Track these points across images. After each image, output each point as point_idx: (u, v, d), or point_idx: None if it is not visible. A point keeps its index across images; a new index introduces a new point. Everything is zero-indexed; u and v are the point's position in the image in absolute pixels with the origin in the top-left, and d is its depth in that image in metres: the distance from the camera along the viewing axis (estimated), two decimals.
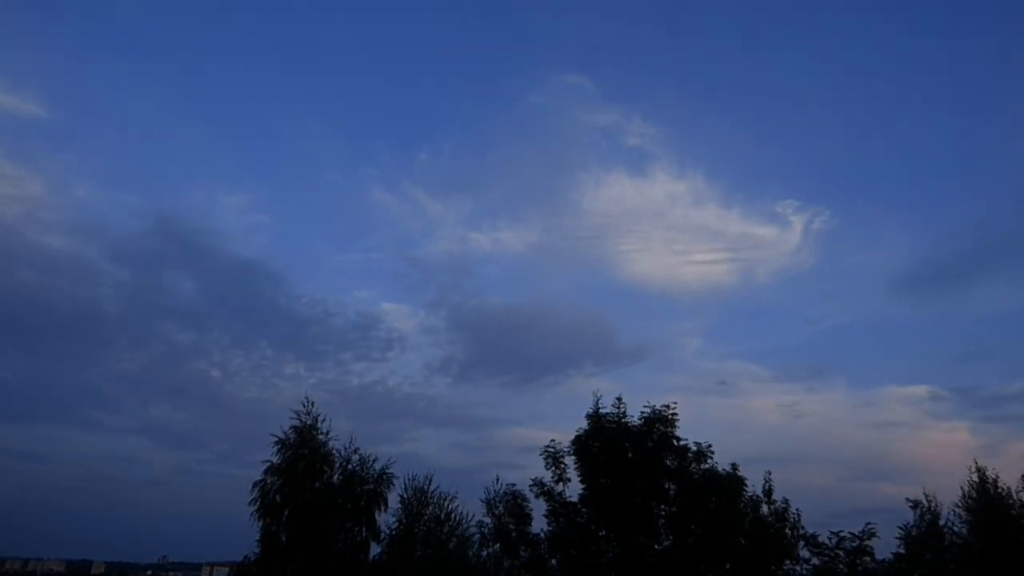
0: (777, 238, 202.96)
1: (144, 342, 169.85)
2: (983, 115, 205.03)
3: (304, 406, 26.70)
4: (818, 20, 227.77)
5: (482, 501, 26.36)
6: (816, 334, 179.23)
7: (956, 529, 26.57)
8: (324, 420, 26.64)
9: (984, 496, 26.41)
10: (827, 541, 24.89)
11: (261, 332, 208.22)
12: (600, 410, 26.19)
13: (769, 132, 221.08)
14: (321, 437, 26.42)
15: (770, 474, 26.15)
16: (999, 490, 26.52)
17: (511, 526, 25.78)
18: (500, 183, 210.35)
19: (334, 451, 26.51)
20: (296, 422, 26.44)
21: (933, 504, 26.61)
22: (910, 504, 26.70)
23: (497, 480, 26.68)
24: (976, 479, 26.93)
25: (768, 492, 25.87)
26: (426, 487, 27.37)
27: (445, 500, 27.20)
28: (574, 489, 25.67)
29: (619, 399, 26.31)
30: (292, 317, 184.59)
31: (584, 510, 25.17)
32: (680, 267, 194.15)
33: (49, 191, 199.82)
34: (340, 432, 27.02)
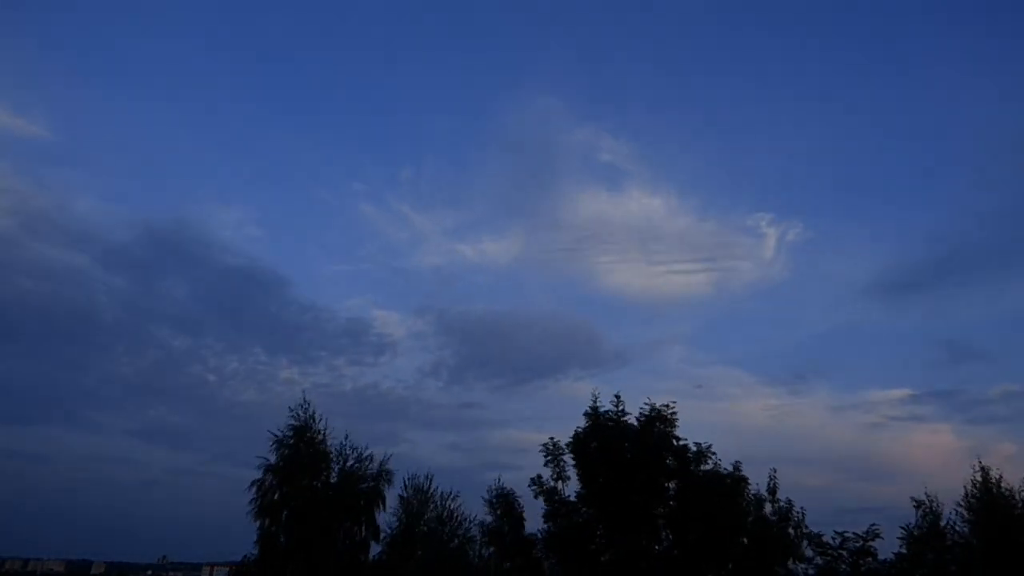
0: (752, 249, 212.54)
1: (141, 348, 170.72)
2: (946, 131, 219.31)
3: (301, 405, 26.62)
4: (788, 36, 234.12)
5: (484, 500, 26.19)
6: (795, 341, 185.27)
7: (958, 529, 26.38)
8: (321, 419, 26.55)
9: (987, 496, 26.23)
10: (831, 541, 24.70)
11: (255, 338, 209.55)
12: (599, 408, 25.97)
13: (741, 147, 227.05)
14: (318, 436, 26.30)
15: (775, 472, 25.96)
16: (1002, 490, 26.33)
17: (505, 527, 25.58)
18: (481, 199, 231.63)
19: (331, 449, 26.41)
20: (294, 421, 26.34)
21: (935, 504, 26.42)
22: (914, 504, 26.51)
23: (499, 480, 26.54)
24: (979, 479, 26.76)
25: (772, 491, 25.67)
26: (427, 487, 27.22)
27: (447, 499, 27.04)
28: (572, 487, 25.54)
29: (617, 397, 26.08)
30: (285, 324, 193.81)
31: (583, 509, 24.99)
32: (658, 278, 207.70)
33: (50, 206, 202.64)
34: (336, 432, 26.97)
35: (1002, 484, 26.40)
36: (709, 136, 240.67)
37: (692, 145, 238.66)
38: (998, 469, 26.74)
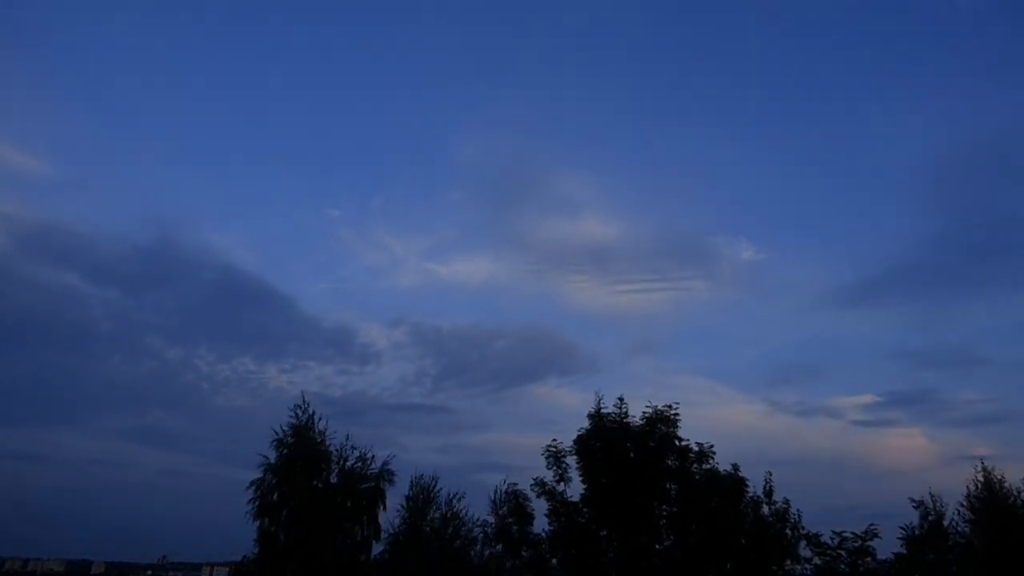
0: (707, 269, 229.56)
1: (137, 356, 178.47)
2: (886, 160, 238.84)
3: (300, 405, 26.57)
4: (737, 72, 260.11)
5: (490, 500, 26.28)
6: (757, 352, 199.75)
7: (960, 529, 26.37)
8: (320, 419, 26.53)
9: (990, 496, 26.22)
10: (829, 541, 24.72)
11: (244, 349, 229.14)
12: (602, 410, 26.01)
13: (693, 173, 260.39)
14: (317, 436, 26.26)
15: (771, 475, 25.97)
16: (1004, 490, 26.31)
17: (513, 526, 25.62)
18: (449, 225, 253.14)
19: (332, 449, 26.38)
20: (294, 420, 26.29)
21: (938, 504, 26.43)
22: (914, 504, 26.53)
23: (504, 480, 26.60)
24: (981, 479, 26.75)
25: (769, 492, 25.67)
26: (431, 487, 27.23)
27: (453, 499, 27.07)
28: (575, 489, 25.61)
29: (621, 399, 26.18)
30: (274, 335, 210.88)
31: (585, 510, 25.05)
32: (619, 296, 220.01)
33: (52, 228, 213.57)
34: (336, 432, 26.94)
35: (1004, 484, 26.41)
36: (659, 165, 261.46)
37: (644, 172, 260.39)
38: (1000, 469, 26.79)
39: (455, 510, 27.00)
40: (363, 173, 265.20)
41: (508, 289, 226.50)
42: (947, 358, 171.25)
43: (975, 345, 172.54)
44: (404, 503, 26.74)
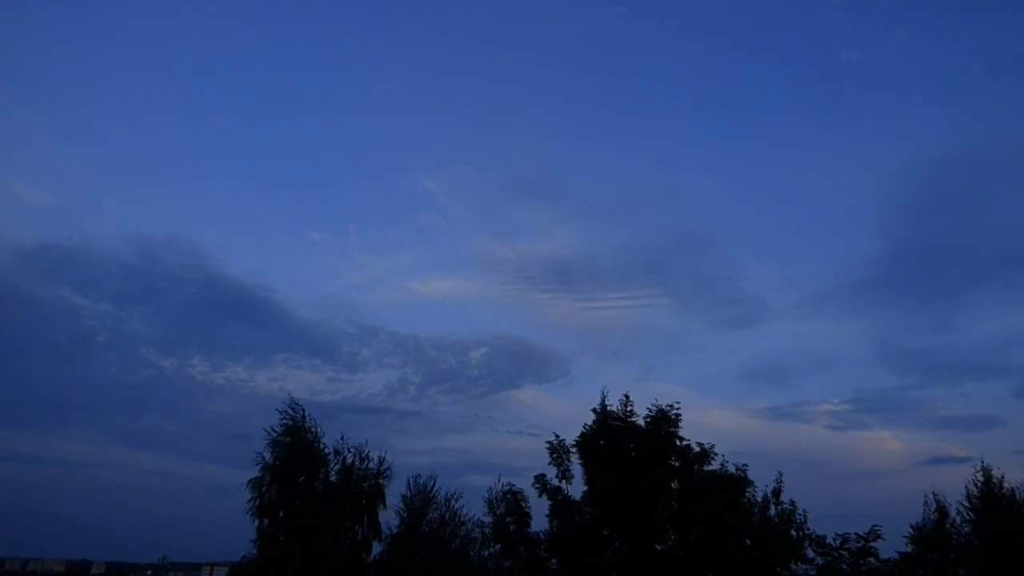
0: (670, 287, 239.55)
1: (133, 365, 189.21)
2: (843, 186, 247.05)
3: (291, 406, 26.31)
4: (694, 100, 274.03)
5: (485, 500, 26.17)
6: (727, 365, 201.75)
7: (961, 529, 26.41)
8: (311, 419, 26.34)
9: (989, 496, 26.26)
10: (832, 542, 24.75)
11: (236, 359, 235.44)
12: (607, 407, 25.87)
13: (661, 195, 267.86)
14: (311, 435, 26.07)
15: (781, 476, 25.95)
16: (1004, 490, 26.36)
17: (512, 526, 25.58)
18: (421, 248, 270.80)
19: (328, 448, 26.17)
20: (287, 420, 26.08)
21: (942, 504, 26.47)
22: (925, 503, 26.58)
23: (499, 479, 26.51)
24: (981, 479, 26.79)
25: (777, 493, 25.66)
26: (430, 487, 27.16)
27: (450, 500, 26.99)
28: (577, 486, 25.52)
29: (626, 397, 26.04)
30: (264, 346, 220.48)
31: (587, 509, 24.95)
32: (586, 312, 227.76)
33: (51, 248, 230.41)
34: (331, 433, 26.83)
35: (1003, 484, 26.45)
36: (621, 189, 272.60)
37: (607, 194, 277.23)
38: (1000, 469, 26.82)
39: (453, 510, 26.96)
40: (338, 203, 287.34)
41: (481, 305, 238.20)
42: (908, 365, 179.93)
43: (933, 353, 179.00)
44: (402, 503, 26.68)
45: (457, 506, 26.78)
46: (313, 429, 26.08)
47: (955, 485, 27.34)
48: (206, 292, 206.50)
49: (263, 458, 25.25)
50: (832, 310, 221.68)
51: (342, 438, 26.40)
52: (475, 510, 26.57)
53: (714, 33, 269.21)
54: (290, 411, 26.10)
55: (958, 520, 26.48)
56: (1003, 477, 26.52)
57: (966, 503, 26.62)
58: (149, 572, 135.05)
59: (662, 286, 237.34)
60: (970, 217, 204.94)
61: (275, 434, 25.55)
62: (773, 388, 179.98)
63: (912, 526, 26.13)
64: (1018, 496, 26.11)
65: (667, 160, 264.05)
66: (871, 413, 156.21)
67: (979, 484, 26.77)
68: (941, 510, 26.39)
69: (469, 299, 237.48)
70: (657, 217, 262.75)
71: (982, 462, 27.11)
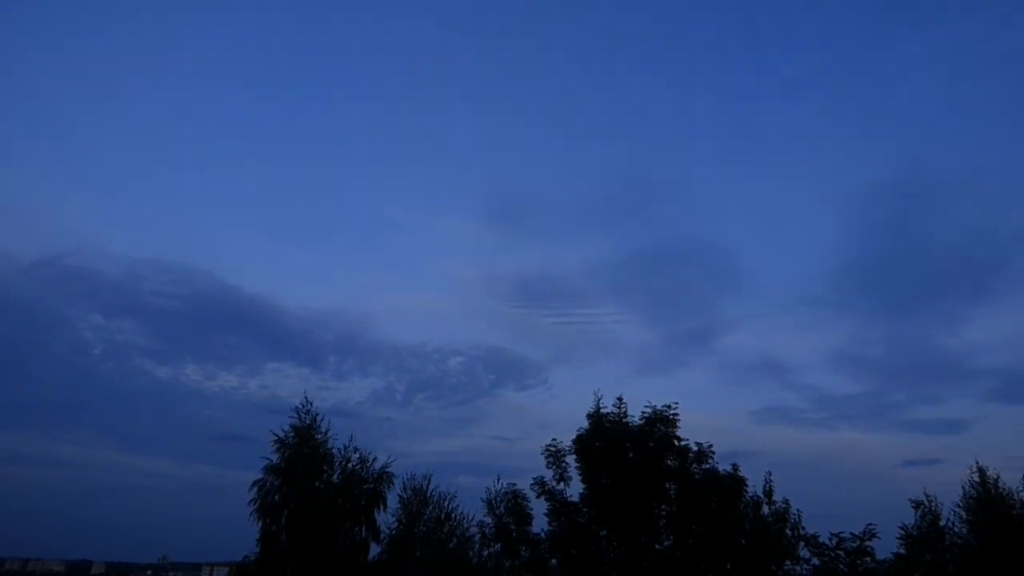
0: (629, 304, 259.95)
1: (129, 375, 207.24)
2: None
3: (303, 406, 26.63)
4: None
5: (483, 501, 26.30)
6: (695, 374, 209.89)
7: (956, 529, 26.49)
8: (323, 419, 26.61)
9: (985, 496, 26.35)
10: (827, 542, 24.80)
11: (226, 369, 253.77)
12: (601, 410, 26.06)
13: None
14: (320, 437, 26.31)
15: (771, 475, 26.05)
16: (1000, 490, 26.46)
17: (512, 526, 25.69)
18: (385, 268, 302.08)
19: (333, 450, 26.43)
20: (296, 422, 26.35)
21: (934, 505, 26.55)
22: (912, 504, 26.64)
23: (498, 479, 26.63)
24: (977, 479, 26.89)
25: (768, 493, 25.73)
26: (425, 487, 27.29)
27: (445, 500, 27.14)
28: (575, 488, 25.60)
29: (620, 399, 26.19)
30: (252, 357, 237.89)
31: (585, 510, 25.08)
32: (549, 328, 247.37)
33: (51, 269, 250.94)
34: (336, 436, 26.99)
35: (999, 484, 26.55)
36: (584, 210, 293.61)
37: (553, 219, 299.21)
38: (995, 470, 26.93)
39: (448, 510, 27.09)
40: (311, 227, 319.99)
41: (448, 317, 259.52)
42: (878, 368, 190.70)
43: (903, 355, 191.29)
44: (399, 503, 26.83)
45: (452, 506, 26.94)
46: (323, 430, 26.31)
47: (931, 486, 27.57)
48: (197, 305, 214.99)
49: (269, 459, 25.46)
50: (790, 323, 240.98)
51: (350, 439, 26.63)
52: (467, 510, 26.90)
53: (662, 72, 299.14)
54: (301, 411, 26.33)
55: (953, 521, 26.56)
56: (998, 477, 26.67)
57: (961, 503, 26.72)
58: (149, 572, 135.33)
59: (626, 302, 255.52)
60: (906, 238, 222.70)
61: (283, 435, 25.75)
62: (747, 394, 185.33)
63: (902, 527, 26.19)
64: (1016, 496, 26.24)
65: (630, 178, 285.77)
66: (847, 415, 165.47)
67: (975, 484, 26.90)
68: (932, 511, 26.45)
69: (438, 310, 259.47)
70: (619, 235, 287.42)
71: (976, 462, 27.26)
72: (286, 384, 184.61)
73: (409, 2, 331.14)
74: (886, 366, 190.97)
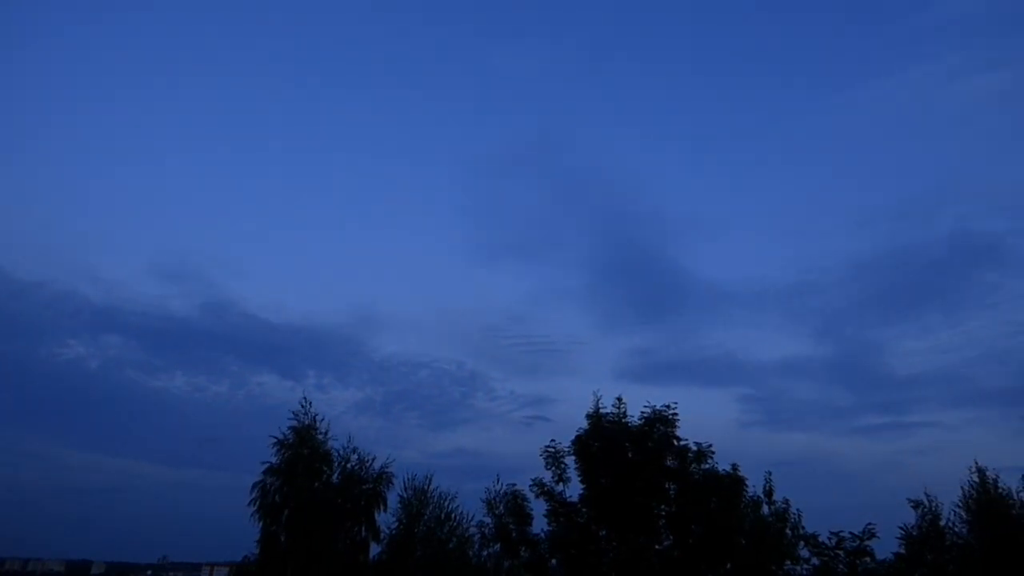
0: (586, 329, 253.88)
1: (126, 385, 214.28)
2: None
3: (302, 406, 26.60)
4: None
5: (483, 501, 26.32)
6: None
7: (956, 529, 26.49)
8: (323, 419, 26.59)
9: (984, 496, 26.35)
10: (827, 541, 24.80)
11: (215, 380, 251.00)
12: (600, 410, 26.07)
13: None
14: (320, 437, 26.31)
15: (770, 474, 26.06)
16: (999, 490, 26.46)
17: (512, 526, 25.71)
18: (382, 287, 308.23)
19: (333, 451, 26.43)
20: (295, 423, 26.34)
21: (935, 505, 26.57)
22: (911, 504, 26.65)
23: (498, 480, 26.67)
24: (976, 479, 26.88)
25: (768, 492, 25.75)
26: (425, 487, 27.29)
27: (445, 500, 27.14)
28: (574, 489, 25.64)
29: (619, 399, 26.18)
30: (241, 366, 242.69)
31: (584, 510, 25.10)
32: (516, 349, 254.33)
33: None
34: (335, 437, 27.00)
35: (999, 484, 26.55)
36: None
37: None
38: (994, 470, 26.93)
39: (448, 510, 27.10)
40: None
41: (426, 328, 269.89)
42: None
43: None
44: (399, 503, 26.84)
45: (452, 506, 26.96)
46: (322, 431, 26.31)
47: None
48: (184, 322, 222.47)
49: (268, 462, 25.47)
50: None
51: (349, 439, 26.64)
52: (464, 509, 26.88)
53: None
54: (301, 412, 26.32)
55: (953, 521, 26.56)
56: (997, 478, 26.67)
57: (960, 503, 26.72)
58: (149, 572, 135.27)
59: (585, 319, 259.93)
60: None
61: (282, 436, 25.76)
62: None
63: (902, 527, 26.21)
64: (1015, 496, 26.23)
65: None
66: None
67: (975, 484, 26.89)
68: (932, 511, 26.45)
69: (418, 322, 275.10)
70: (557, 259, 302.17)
71: (975, 462, 27.26)
72: (272, 396, 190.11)
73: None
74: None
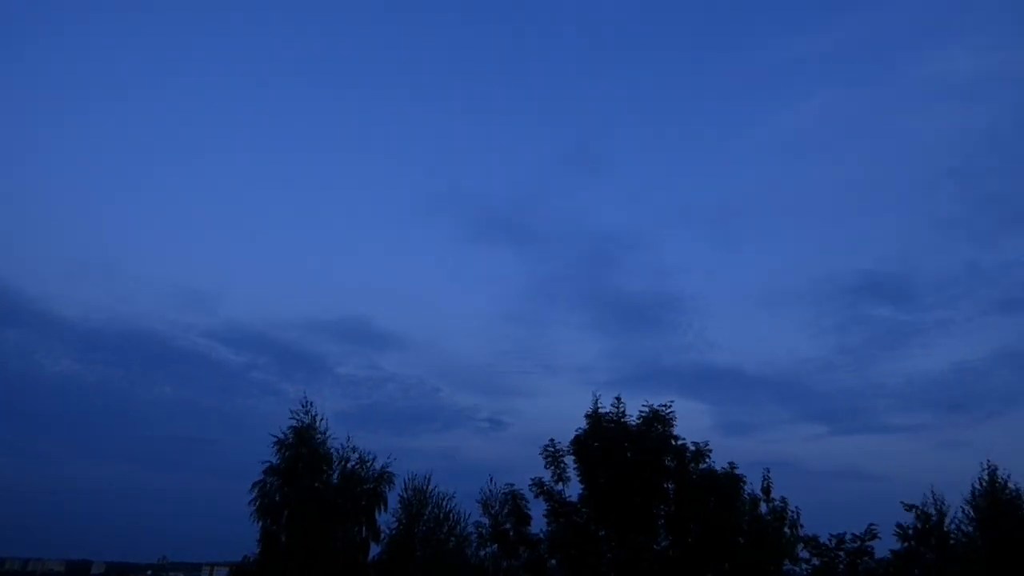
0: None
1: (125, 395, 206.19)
2: None
3: (302, 406, 26.41)
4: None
5: (478, 503, 26.20)
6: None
7: (963, 528, 26.24)
8: (322, 419, 26.39)
9: (993, 495, 26.07)
10: (827, 542, 24.63)
11: (203, 394, 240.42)
12: (599, 410, 25.90)
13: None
14: (319, 437, 26.12)
15: (768, 472, 25.83)
16: (1008, 490, 26.17)
17: (509, 526, 25.57)
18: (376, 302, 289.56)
19: (332, 451, 26.27)
20: (295, 423, 26.15)
21: (940, 504, 26.30)
22: (904, 507, 26.39)
23: (491, 480, 26.59)
24: (986, 478, 26.59)
25: (767, 490, 25.52)
26: (425, 487, 27.11)
27: (444, 500, 26.97)
28: (574, 489, 25.59)
29: (618, 399, 26.14)
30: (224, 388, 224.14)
31: (583, 510, 24.98)
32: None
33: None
34: (335, 437, 26.84)
35: (1008, 484, 26.26)
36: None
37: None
38: (1005, 469, 26.63)
39: (447, 510, 26.95)
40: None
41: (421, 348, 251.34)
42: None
43: None
44: (399, 503, 26.69)
45: (450, 506, 26.82)
46: (322, 430, 26.15)
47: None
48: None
49: (268, 461, 25.33)
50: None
51: (348, 439, 26.52)
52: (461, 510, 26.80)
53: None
54: (300, 412, 26.16)
55: (961, 519, 26.29)
56: (1008, 477, 26.37)
57: (969, 501, 26.44)
58: (149, 572, 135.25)
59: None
60: None
61: (282, 436, 25.61)
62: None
63: (899, 526, 25.94)
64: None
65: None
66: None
67: (984, 483, 26.60)
68: (938, 510, 26.19)
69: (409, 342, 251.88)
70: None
71: (987, 460, 26.96)
72: (261, 408, 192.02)
73: None
74: None
